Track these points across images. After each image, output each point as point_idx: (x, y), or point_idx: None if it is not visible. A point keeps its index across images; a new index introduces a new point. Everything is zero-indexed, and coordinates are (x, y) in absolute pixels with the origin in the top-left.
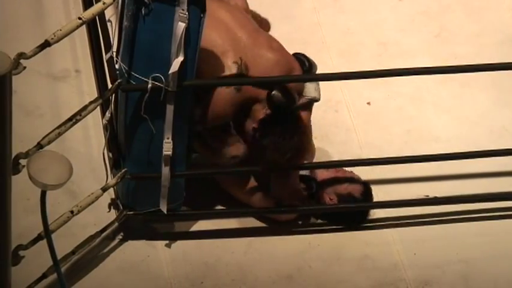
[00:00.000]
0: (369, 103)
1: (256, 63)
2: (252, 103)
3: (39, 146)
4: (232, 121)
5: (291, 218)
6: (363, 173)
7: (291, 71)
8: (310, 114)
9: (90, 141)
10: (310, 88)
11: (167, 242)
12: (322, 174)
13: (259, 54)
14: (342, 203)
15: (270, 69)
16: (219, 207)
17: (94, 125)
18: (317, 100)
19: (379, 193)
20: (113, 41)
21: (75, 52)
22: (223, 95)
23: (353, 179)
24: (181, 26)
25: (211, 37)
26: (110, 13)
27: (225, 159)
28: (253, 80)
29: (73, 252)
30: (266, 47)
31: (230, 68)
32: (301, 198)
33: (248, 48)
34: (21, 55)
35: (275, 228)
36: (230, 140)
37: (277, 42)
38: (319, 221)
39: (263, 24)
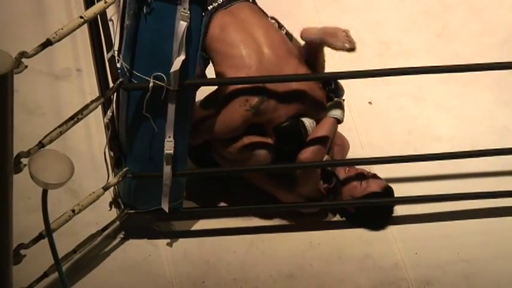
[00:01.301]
0: (370, 102)
1: (279, 90)
2: (264, 125)
3: (41, 145)
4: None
5: (313, 210)
6: None
7: (315, 99)
8: (332, 133)
9: (91, 140)
10: (334, 108)
11: (168, 240)
12: (342, 174)
13: (273, 43)
14: (361, 207)
15: (295, 100)
16: (220, 205)
17: (95, 124)
18: (340, 121)
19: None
20: (115, 39)
21: (77, 51)
22: (240, 112)
23: (374, 183)
24: (182, 25)
25: (241, 53)
26: (111, 12)
27: (255, 162)
28: (256, 79)
29: (74, 251)
30: (293, 70)
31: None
32: (319, 196)
33: (273, 71)
34: (23, 54)
35: (276, 227)
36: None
37: (305, 69)
38: (320, 219)
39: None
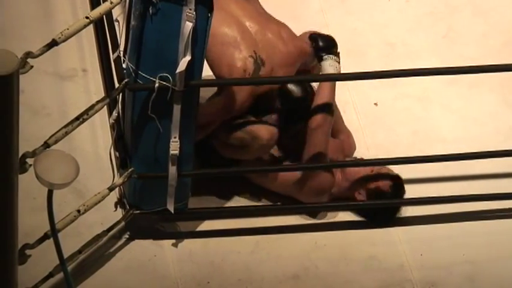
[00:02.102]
0: (376, 104)
1: (269, 56)
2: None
3: (46, 145)
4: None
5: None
6: None
7: (303, 58)
8: (332, 95)
9: (97, 140)
10: (326, 68)
11: (174, 241)
12: (352, 170)
13: (271, 46)
14: (370, 199)
15: (284, 62)
16: (226, 206)
17: (101, 124)
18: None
19: None
20: (120, 40)
21: (83, 51)
22: (242, 87)
23: (382, 174)
24: (188, 26)
25: (223, 31)
26: (117, 12)
27: (259, 145)
28: (260, 80)
29: (80, 251)
30: (277, 37)
31: (246, 62)
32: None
33: (260, 40)
34: (29, 54)
35: (282, 227)
36: (259, 125)
37: (287, 29)
38: (325, 220)
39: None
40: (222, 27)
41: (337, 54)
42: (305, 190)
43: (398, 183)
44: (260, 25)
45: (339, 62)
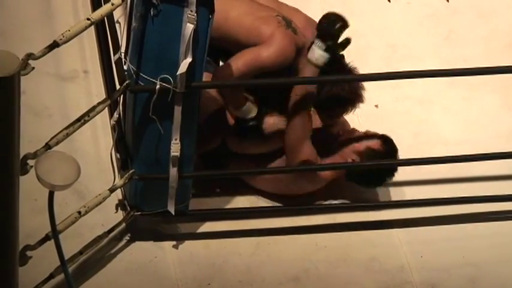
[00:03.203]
0: (376, 106)
1: (291, 12)
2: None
3: (47, 146)
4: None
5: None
6: None
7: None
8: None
9: (98, 142)
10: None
11: (174, 242)
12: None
13: (289, 14)
14: (365, 160)
15: (306, 24)
16: (226, 207)
17: (102, 125)
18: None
19: (387, 194)
20: (122, 42)
21: (84, 53)
22: (284, 36)
23: (369, 136)
24: (189, 27)
25: (239, 7)
26: (118, 14)
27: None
28: (262, 82)
29: (80, 253)
30: (292, 10)
31: (277, 20)
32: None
33: (278, 9)
34: (30, 56)
35: (282, 229)
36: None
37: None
38: (326, 222)
39: None
40: (232, 8)
41: (333, 46)
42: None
43: (387, 139)
44: (272, 2)
45: (327, 51)
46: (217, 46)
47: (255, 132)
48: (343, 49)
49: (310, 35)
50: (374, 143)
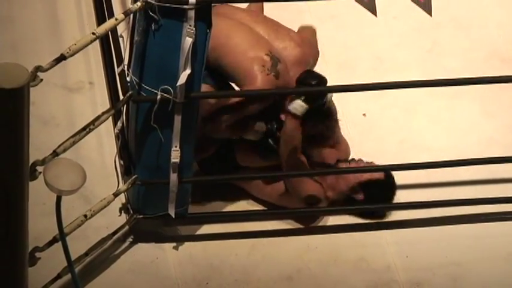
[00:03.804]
0: (364, 114)
1: (286, 56)
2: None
3: (55, 153)
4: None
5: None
6: None
7: (315, 58)
8: (293, 131)
9: (102, 149)
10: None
11: (175, 244)
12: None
13: (283, 46)
14: (366, 190)
15: (298, 61)
16: (223, 211)
17: (106, 134)
18: (297, 116)
19: None
20: (125, 54)
21: (89, 65)
22: (265, 81)
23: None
24: (188, 41)
25: (236, 39)
26: (121, 28)
27: None
28: (255, 93)
29: (86, 254)
30: (289, 39)
31: (264, 60)
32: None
33: (272, 40)
34: (38, 68)
35: (276, 231)
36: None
37: (295, 33)
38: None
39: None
40: (233, 35)
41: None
42: (295, 200)
43: (388, 174)
44: (270, 29)
45: (306, 102)
46: (211, 64)
47: (273, 147)
48: (320, 101)
49: (301, 70)
50: (377, 175)
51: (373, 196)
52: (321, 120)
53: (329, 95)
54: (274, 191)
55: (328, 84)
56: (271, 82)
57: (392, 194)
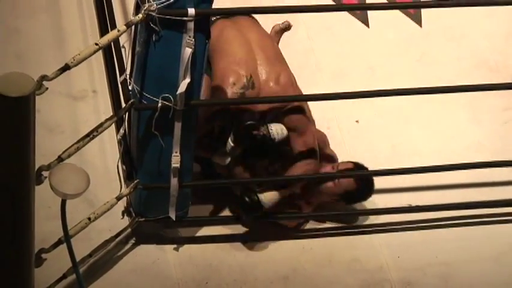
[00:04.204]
0: (357, 121)
1: (262, 88)
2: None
3: (60, 159)
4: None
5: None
6: None
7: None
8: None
9: (105, 155)
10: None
11: (175, 246)
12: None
13: (267, 81)
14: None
15: (277, 90)
16: (222, 214)
17: (109, 140)
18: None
19: (366, 202)
20: (127, 64)
21: (93, 74)
22: (228, 96)
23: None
24: (188, 51)
25: (234, 49)
26: (123, 39)
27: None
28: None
29: (90, 255)
30: (275, 78)
31: (240, 78)
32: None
33: (261, 71)
34: (44, 77)
35: (273, 233)
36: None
37: (288, 76)
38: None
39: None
40: (233, 46)
41: None
42: None
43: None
44: (267, 59)
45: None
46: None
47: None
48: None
49: (282, 93)
50: (350, 183)
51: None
52: (261, 157)
53: (272, 132)
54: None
55: (322, 92)
56: (232, 96)
57: (370, 193)
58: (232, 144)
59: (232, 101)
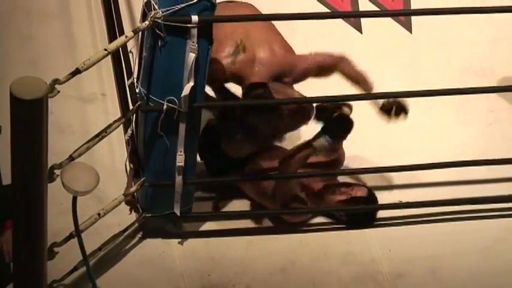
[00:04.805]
0: None
1: (256, 51)
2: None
3: (71, 158)
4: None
5: (299, 220)
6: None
7: (283, 68)
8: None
9: (114, 154)
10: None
11: (180, 240)
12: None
13: (260, 44)
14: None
15: (265, 62)
16: (224, 210)
17: (118, 140)
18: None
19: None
20: (134, 68)
21: (102, 78)
22: (220, 61)
23: (357, 197)
24: (192, 56)
25: (225, 25)
26: (131, 45)
27: None
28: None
29: (99, 249)
30: (268, 42)
31: (231, 44)
32: (298, 200)
33: (254, 37)
34: (56, 81)
35: (271, 228)
36: None
37: (281, 42)
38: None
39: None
40: (236, 11)
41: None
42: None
43: (372, 195)
44: (262, 28)
45: (331, 143)
46: None
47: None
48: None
49: (278, 56)
50: (360, 195)
51: (355, 216)
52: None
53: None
54: (259, 191)
55: (318, 95)
56: (225, 66)
57: (371, 222)
58: (330, 140)
59: (240, 102)
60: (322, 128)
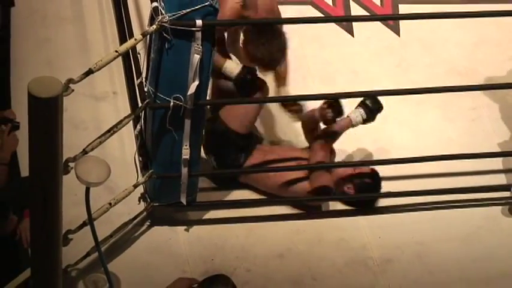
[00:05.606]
0: None
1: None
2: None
3: (84, 152)
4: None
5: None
6: None
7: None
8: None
9: (124, 148)
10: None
11: (185, 227)
12: (339, 172)
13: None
14: (358, 189)
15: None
16: (226, 199)
17: (128, 135)
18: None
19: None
20: (143, 69)
21: (113, 78)
22: (232, 7)
23: (363, 173)
24: (196, 58)
25: None
26: (140, 47)
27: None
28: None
29: (111, 236)
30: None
31: None
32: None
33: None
34: (70, 80)
35: (270, 217)
36: None
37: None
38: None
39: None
40: None
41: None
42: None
43: (375, 174)
44: None
45: (365, 115)
46: None
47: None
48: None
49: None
50: (367, 179)
51: (362, 186)
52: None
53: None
54: (273, 182)
55: (313, 93)
56: (237, 10)
57: (379, 185)
58: (365, 116)
59: (239, 100)
60: (361, 102)
